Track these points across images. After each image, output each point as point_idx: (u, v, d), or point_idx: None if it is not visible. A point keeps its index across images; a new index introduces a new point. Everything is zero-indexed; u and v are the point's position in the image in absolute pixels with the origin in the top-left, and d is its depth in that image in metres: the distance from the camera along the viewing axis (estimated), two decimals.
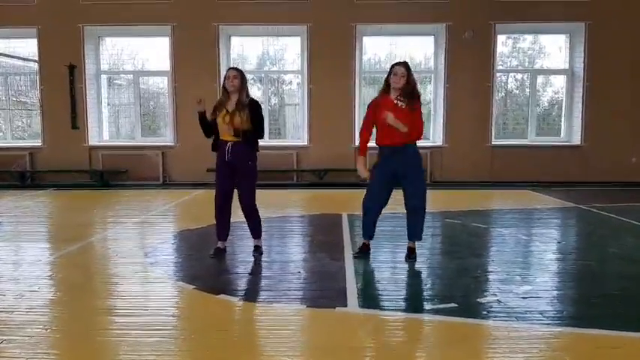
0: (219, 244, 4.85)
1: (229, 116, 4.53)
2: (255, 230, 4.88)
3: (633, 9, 10.56)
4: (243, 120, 4.53)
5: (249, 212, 4.79)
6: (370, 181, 4.64)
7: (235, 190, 4.75)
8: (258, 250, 4.85)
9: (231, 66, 4.84)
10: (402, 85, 4.39)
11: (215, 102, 4.74)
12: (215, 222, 4.81)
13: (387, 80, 4.50)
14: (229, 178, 4.70)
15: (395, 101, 4.42)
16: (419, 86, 4.67)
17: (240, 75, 4.62)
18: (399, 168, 4.46)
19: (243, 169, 4.66)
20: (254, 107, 4.62)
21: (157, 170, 11.08)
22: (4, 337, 2.95)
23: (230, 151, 4.60)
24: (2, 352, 2.77)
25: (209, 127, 4.70)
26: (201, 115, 4.65)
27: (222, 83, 4.74)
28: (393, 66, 4.49)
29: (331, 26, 10.63)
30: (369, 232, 4.74)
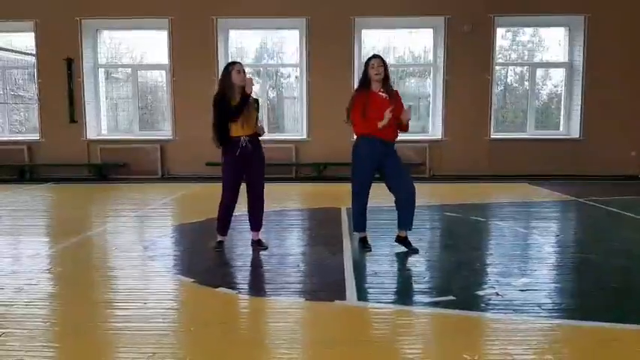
0: (221, 238, 4.85)
1: (251, 111, 4.57)
2: (261, 220, 4.90)
3: (632, 2, 10.53)
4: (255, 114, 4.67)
5: (261, 202, 4.83)
6: (355, 174, 4.70)
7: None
8: (262, 245, 4.86)
9: (235, 60, 4.76)
10: (382, 75, 4.52)
11: (218, 96, 4.63)
12: (219, 218, 4.79)
13: (365, 75, 4.57)
14: (241, 176, 4.72)
15: (379, 93, 4.53)
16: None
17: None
18: (379, 157, 4.56)
19: (259, 159, 4.72)
20: (258, 105, 4.77)
21: (155, 164, 11.07)
22: (4, 330, 2.95)
23: (249, 145, 4.60)
24: (1, 345, 2.77)
25: (224, 132, 4.59)
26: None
27: (222, 78, 4.61)
28: (368, 60, 4.59)
29: (330, 19, 10.60)
30: (364, 224, 4.78)
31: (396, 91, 4.70)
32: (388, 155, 4.59)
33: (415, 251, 4.63)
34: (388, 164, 4.60)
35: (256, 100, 4.76)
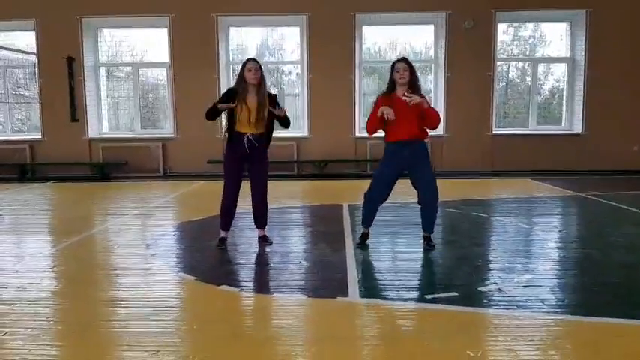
0: (223, 234, 4.86)
1: (256, 109, 4.54)
2: (265, 219, 4.93)
3: None
4: (266, 113, 4.61)
5: (263, 201, 4.84)
6: (377, 174, 4.70)
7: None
8: (267, 240, 4.90)
9: (250, 57, 4.78)
10: (408, 79, 4.45)
11: (228, 90, 4.70)
12: (221, 214, 4.81)
13: (391, 79, 4.53)
14: (241, 171, 4.74)
15: (403, 97, 4.43)
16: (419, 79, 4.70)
17: (260, 67, 4.64)
18: (407, 161, 4.50)
19: (261, 159, 4.73)
20: (275, 100, 4.72)
21: (157, 162, 11.08)
22: (7, 329, 2.96)
23: (250, 143, 4.60)
24: (5, 344, 2.78)
25: (216, 114, 4.65)
26: (215, 108, 4.59)
27: (238, 74, 4.66)
28: (393, 64, 4.55)
29: (330, 15, 10.58)
30: (370, 221, 4.78)
31: (422, 95, 4.52)
32: (417, 158, 4.51)
33: (431, 248, 4.62)
34: (416, 169, 4.54)
35: (272, 97, 4.74)
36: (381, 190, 4.65)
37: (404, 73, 4.44)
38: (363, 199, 4.79)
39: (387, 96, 4.53)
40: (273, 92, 4.87)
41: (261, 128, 4.65)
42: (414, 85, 4.47)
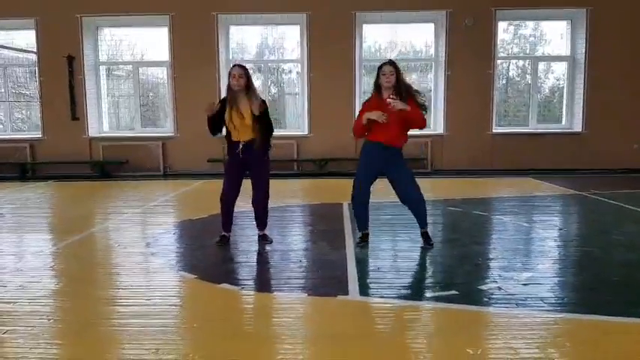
0: (225, 233, 4.87)
1: (248, 114, 4.51)
2: (262, 222, 4.93)
3: None
4: (254, 120, 4.54)
5: (264, 205, 4.85)
6: (357, 175, 4.70)
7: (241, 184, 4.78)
8: (267, 239, 4.90)
9: (236, 63, 4.74)
10: (393, 82, 4.44)
11: (220, 99, 4.71)
12: (221, 213, 4.82)
13: (376, 82, 4.54)
14: (240, 177, 4.74)
15: (387, 100, 4.42)
16: (413, 84, 4.69)
17: (245, 73, 4.56)
18: (382, 161, 4.54)
19: (259, 165, 4.71)
20: (263, 109, 4.56)
21: (157, 161, 11.08)
22: (7, 328, 2.96)
23: (244, 151, 4.59)
24: (5, 343, 2.78)
25: (217, 125, 4.64)
26: (210, 117, 4.58)
27: (227, 81, 4.62)
28: (380, 67, 4.54)
29: (331, 14, 10.57)
30: (364, 223, 4.75)
31: (411, 97, 4.47)
32: (391, 161, 4.55)
33: (430, 247, 4.64)
34: (391, 170, 4.58)
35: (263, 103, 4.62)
36: (363, 190, 4.65)
37: (390, 77, 4.43)
38: (353, 209, 4.77)
39: (375, 99, 4.53)
40: (262, 99, 4.69)
41: (253, 134, 4.60)
42: (399, 89, 4.43)
